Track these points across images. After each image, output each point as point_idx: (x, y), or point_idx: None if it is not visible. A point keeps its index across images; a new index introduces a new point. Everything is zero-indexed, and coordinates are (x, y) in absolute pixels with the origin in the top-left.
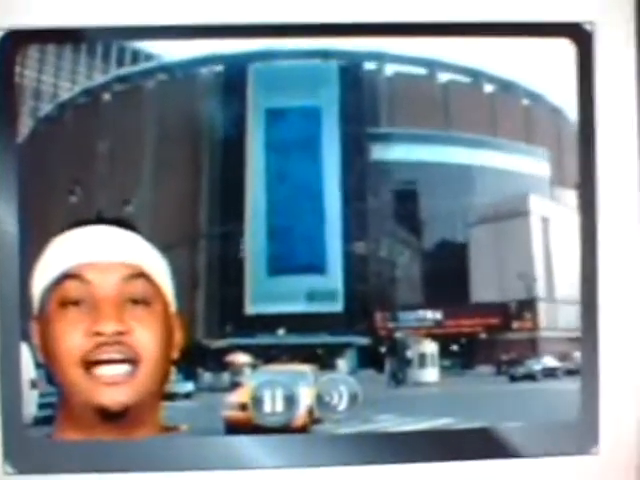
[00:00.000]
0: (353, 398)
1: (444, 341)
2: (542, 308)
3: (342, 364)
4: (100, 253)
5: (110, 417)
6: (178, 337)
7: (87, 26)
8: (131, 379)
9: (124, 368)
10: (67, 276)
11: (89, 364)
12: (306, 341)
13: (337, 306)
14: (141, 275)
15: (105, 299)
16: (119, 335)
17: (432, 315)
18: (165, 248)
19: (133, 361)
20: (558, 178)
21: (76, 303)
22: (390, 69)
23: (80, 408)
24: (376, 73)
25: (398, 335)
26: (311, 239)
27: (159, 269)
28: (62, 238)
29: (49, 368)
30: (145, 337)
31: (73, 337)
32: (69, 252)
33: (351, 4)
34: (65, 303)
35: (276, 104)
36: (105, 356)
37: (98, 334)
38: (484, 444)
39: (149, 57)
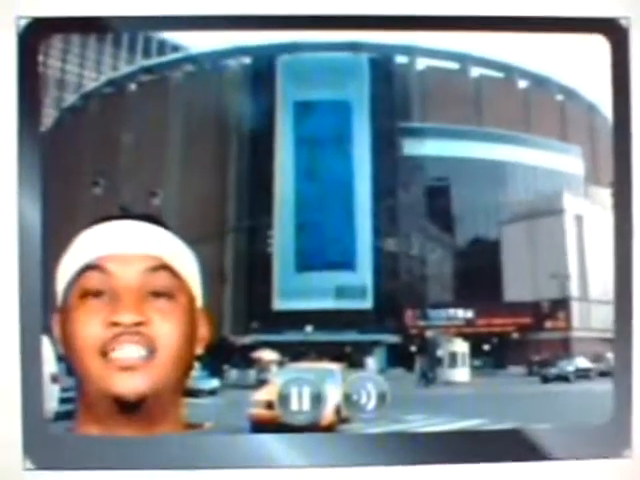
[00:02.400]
0: (382, 397)
1: (475, 340)
2: (575, 308)
3: (371, 362)
4: (122, 245)
5: (128, 409)
6: (203, 332)
7: (113, 16)
8: (147, 366)
9: (140, 352)
10: (88, 267)
11: (106, 353)
12: (334, 338)
13: (366, 303)
14: (164, 267)
15: (125, 290)
16: (137, 326)
17: (463, 314)
18: (192, 242)
19: (150, 350)
20: (592, 176)
21: (97, 294)
22: (422, 63)
23: (98, 399)
24: (407, 67)
25: (428, 333)
26: (340, 235)
27: (185, 262)
28: (86, 233)
29: (68, 359)
30: (165, 329)
31: (92, 327)
32: (92, 245)
33: None
34: (86, 294)
35: (305, 97)
36: (122, 345)
37: (116, 324)
38: (515, 446)
39: (176, 48)
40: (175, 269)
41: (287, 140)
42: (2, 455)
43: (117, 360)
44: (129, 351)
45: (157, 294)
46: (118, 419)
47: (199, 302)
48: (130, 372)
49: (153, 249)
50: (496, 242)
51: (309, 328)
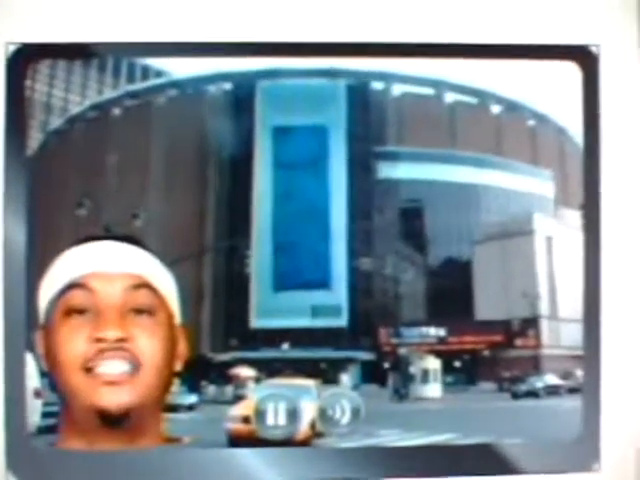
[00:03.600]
0: (356, 412)
1: (447, 357)
2: (545, 326)
3: (345, 379)
4: (105, 264)
5: (111, 423)
6: (182, 348)
7: (98, 42)
8: (131, 380)
9: (124, 367)
10: (72, 285)
11: (90, 368)
12: (310, 355)
13: (341, 321)
14: (145, 285)
15: (108, 307)
16: (121, 342)
17: (435, 332)
18: (172, 262)
19: (134, 366)
20: (562, 198)
21: (80, 312)
22: (397, 89)
23: (81, 413)
24: (383, 93)
25: (401, 351)
26: (316, 255)
27: (164, 281)
28: (69, 252)
29: (52, 375)
30: (147, 345)
31: (76, 344)
32: (75, 264)
33: (359, 24)
34: (70, 312)
35: (283, 122)
36: (106, 361)
37: (100, 340)
38: (486, 460)
39: (159, 73)
40: (155, 287)
41: (266, 163)
42: None
43: (101, 375)
44: (113, 366)
45: (139, 311)
46: (101, 433)
47: (178, 319)
48: (114, 387)
49: (134, 268)
50: (468, 262)
51: (285, 345)
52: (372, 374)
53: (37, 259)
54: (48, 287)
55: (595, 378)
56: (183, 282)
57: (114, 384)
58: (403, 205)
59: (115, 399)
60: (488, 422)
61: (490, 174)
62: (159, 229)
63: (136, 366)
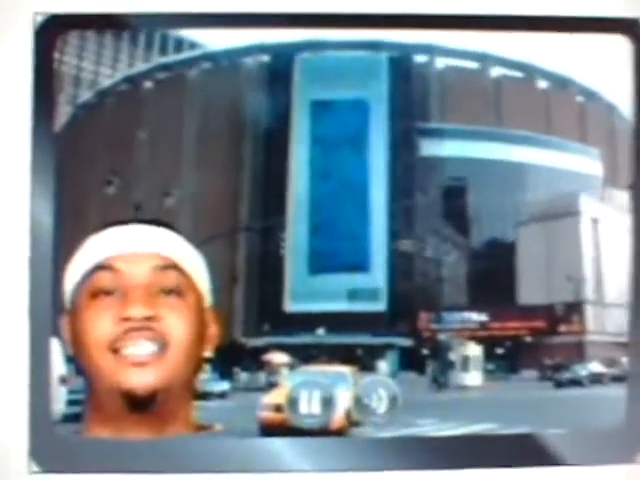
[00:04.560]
0: (393, 401)
1: (489, 344)
2: (590, 311)
3: (382, 366)
4: (131, 245)
5: (138, 406)
6: (213, 331)
7: (129, 13)
8: (158, 361)
9: (152, 348)
10: (98, 267)
11: (118, 349)
12: (346, 341)
13: (380, 305)
14: (173, 266)
15: (135, 286)
16: (148, 320)
17: (477, 317)
18: (204, 242)
19: (161, 345)
20: (611, 178)
21: (107, 292)
22: (441, 62)
23: (108, 397)
24: (427, 66)
25: (441, 337)
26: (355, 236)
27: (192, 262)
28: (96, 236)
29: (78, 359)
30: (175, 324)
31: (103, 324)
32: (101, 247)
33: None
34: (96, 293)
35: (323, 96)
36: (134, 341)
37: (127, 319)
38: (528, 451)
39: (193, 45)
40: (183, 269)
41: (303, 139)
42: (8, 458)
43: (129, 356)
44: (140, 346)
45: (167, 291)
46: (128, 419)
47: (207, 302)
48: (141, 367)
49: (161, 249)
50: (512, 244)
51: (321, 331)
52: (410, 361)
53: (64, 241)
54: (74, 271)
55: None
56: (215, 263)
57: (141, 365)
58: (446, 184)
59: (142, 380)
60: (529, 411)
61: (537, 152)
62: (192, 208)
63: (164, 346)
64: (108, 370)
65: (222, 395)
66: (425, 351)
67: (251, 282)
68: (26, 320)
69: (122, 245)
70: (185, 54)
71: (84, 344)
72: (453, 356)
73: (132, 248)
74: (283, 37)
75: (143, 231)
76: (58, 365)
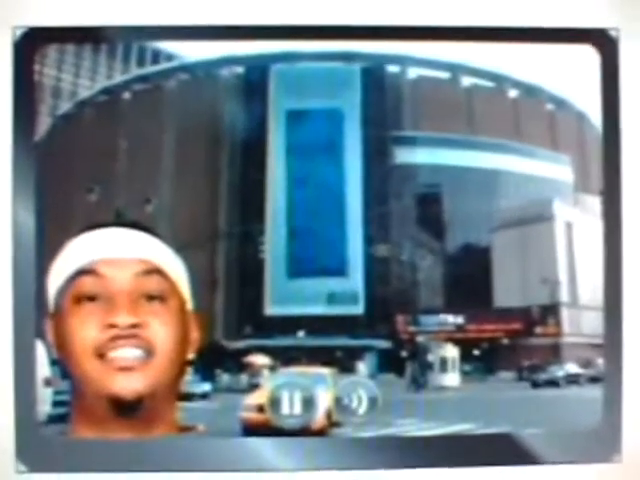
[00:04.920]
0: (373, 402)
1: (466, 346)
2: (565, 314)
3: (362, 367)
4: (114, 250)
5: (124, 410)
6: (195, 335)
7: (107, 26)
8: (144, 366)
9: (138, 353)
10: (82, 272)
11: (103, 355)
12: (326, 343)
13: (358, 309)
14: (156, 271)
15: (120, 293)
16: (133, 328)
17: (454, 319)
18: (184, 247)
19: (147, 352)
20: (582, 184)
21: (91, 298)
22: (413, 72)
23: (94, 401)
24: (399, 76)
25: (419, 339)
26: (332, 241)
27: (174, 267)
28: (78, 239)
29: (64, 363)
30: (160, 331)
31: (88, 331)
32: (84, 250)
33: (374, 7)
34: (80, 298)
35: (297, 106)
36: (119, 348)
37: (112, 326)
38: (505, 450)
39: (170, 57)
40: (166, 273)
41: (279, 148)
42: None
43: (115, 361)
44: (127, 352)
45: (150, 297)
46: (114, 421)
47: (189, 306)
48: (128, 372)
49: (144, 254)
50: (486, 249)
51: (301, 333)
52: (389, 363)
53: (47, 246)
54: (57, 274)
55: (616, 367)
56: (196, 268)
57: (127, 370)
58: (420, 191)
59: (129, 385)
60: (507, 412)
61: (508, 159)
62: (171, 215)
63: (149, 352)
64: (94, 376)
65: (204, 396)
66: (403, 353)
67: (231, 286)
68: (10, 323)
69: (105, 249)
70: (162, 66)
71: (69, 349)
72: (431, 358)
73: (115, 252)
74: (258, 49)
75: (125, 235)
76: (43, 367)
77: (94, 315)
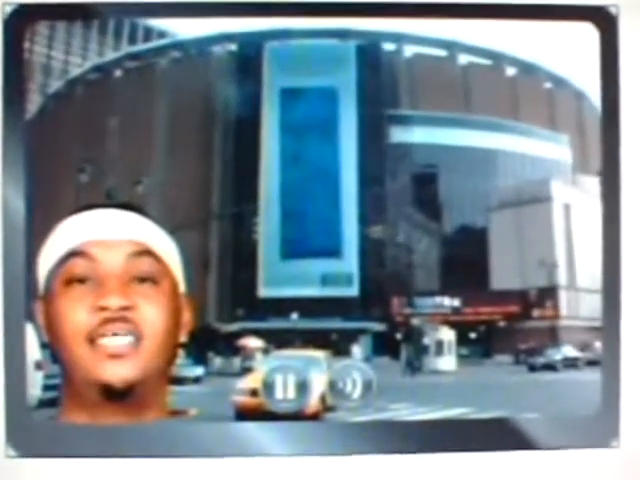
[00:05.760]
0: (367, 386)
1: (462, 329)
2: (563, 296)
3: (356, 350)
4: (105, 231)
5: (115, 396)
6: (187, 318)
7: (98, 2)
8: (135, 352)
9: (128, 339)
10: (72, 254)
11: (94, 339)
12: (320, 326)
13: (352, 291)
14: (147, 253)
15: (110, 275)
16: (124, 310)
17: (450, 302)
18: (176, 229)
19: (137, 336)
20: (581, 164)
21: (81, 280)
22: (409, 50)
23: (84, 386)
24: (395, 54)
25: (415, 322)
26: (326, 222)
27: (166, 248)
28: (68, 221)
29: (53, 347)
30: (151, 314)
31: (78, 313)
32: (75, 232)
33: None
34: (70, 281)
35: (292, 84)
36: (109, 332)
37: (103, 309)
38: (501, 435)
39: (162, 34)
40: (158, 254)
41: (273, 127)
42: None
43: (105, 347)
44: (117, 338)
45: (142, 279)
46: (104, 406)
47: (182, 288)
48: (118, 360)
49: (136, 235)
50: (483, 230)
51: (294, 315)
52: (384, 346)
53: (37, 227)
54: (47, 256)
55: (615, 350)
56: (188, 250)
57: (118, 357)
58: (416, 170)
59: (119, 373)
60: (504, 396)
61: (506, 139)
62: (163, 195)
63: (140, 337)
64: (84, 361)
65: (196, 380)
66: (399, 336)
67: (224, 268)
68: (0, 306)
69: (96, 230)
70: (154, 43)
71: (59, 333)
72: (427, 340)
73: (106, 234)
74: (251, 26)
75: (116, 216)
76: (33, 350)
77: (84, 298)
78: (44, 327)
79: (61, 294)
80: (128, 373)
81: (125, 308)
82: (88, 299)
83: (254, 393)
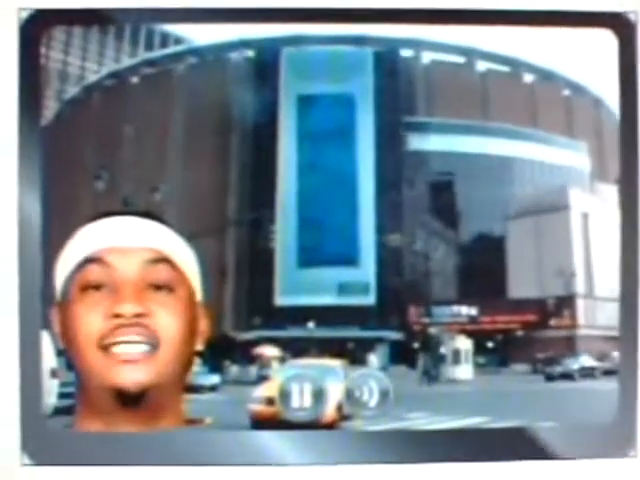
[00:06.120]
0: (384, 394)
1: (479, 338)
2: (581, 305)
3: (373, 359)
4: (122, 239)
5: (129, 402)
6: (203, 326)
7: (115, 8)
8: (149, 359)
9: (142, 347)
10: (88, 260)
11: (108, 346)
12: (337, 335)
13: (369, 299)
14: (164, 260)
15: (126, 282)
16: (139, 317)
17: (467, 311)
18: (193, 236)
19: (152, 343)
20: (599, 172)
21: (97, 287)
22: (427, 57)
23: (98, 393)
24: (412, 61)
25: (432, 330)
26: (343, 230)
27: (184, 256)
28: (86, 228)
29: (68, 353)
30: (166, 321)
31: (93, 320)
32: (92, 239)
33: None
34: (86, 287)
35: (308, 90)
36: (124, 338)
37: (117, 316)
38: (518, 444)
39: (179, 40)
40: (175, 262)
41: (290, 133)
42: (0, 451)
43: (119, 354)
44: (131, 344)
45: (157, 287)
46: (119, 414)
47: (199, 296)
48: (132, 364)
49: (153, 242)
50: (501, 238)
51: (311, 324)
52: (401, 354)
53: (53, 234)
54: (64, 263)
55: (632, 360)
56: (204, 258)
57: (132, 362)
58: (433, 178)
59: (133, 378)
60: (521, 405)
61: (523, 146)
62: (180, 202)
63: (155, 343)
64: (98, 367)
65: (213, 388)
66: (416, 345)
67: (241, 276)
68: (16, 313)
69: (113, 238)
70: (171, 49)
71: (74, 339)
72: (444, 350)
73: (123, 241)
74: (268, 32)
75: (134, 223)
76: (49, 358)
77: (99, 304)
78: (60, 334)
79: (77, 300)
80: (142, 377)
81: (140, 315)
82: (103, 305)
83: (270, 402)
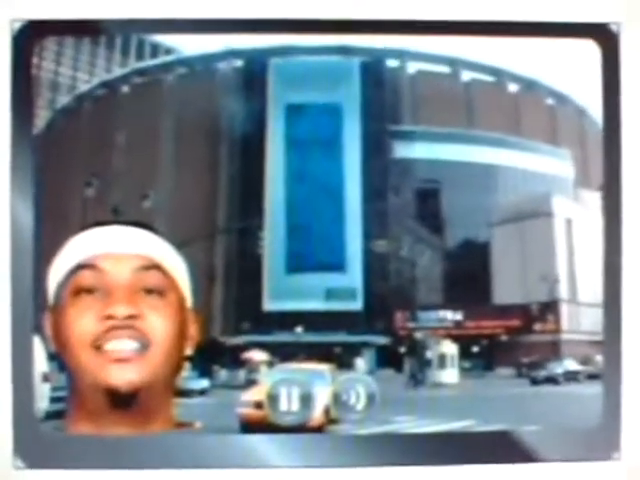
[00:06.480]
0: (371, 398)
1: (464, 342)
2: (564, 310)
3: (360, 363)
4: (115, 245)
5: (120, 403)
6: (193, 331)
7: (106, 18)
8: (140, 358)
9: (134, 345)
10: (81, 266)
11: (100, 346)
12: (324, 339)
13: (356, 305)
14: (155, 267)
15: (118, 285)
16: (131, 319)
17: (452, 316)
18: (183, 243)
19: (144, 343)
20: (582, 179)
21: (89, 291)
22: (413, 67)
23: (90, 393)
24: (398, 71)
25: (418, 335)
26: (330, 237)
27: (174, 263)
28: (78, 236)
29: (60, 356)
30: (157, 324)
31: (85, 322)
32: (84, 246)
33: (373, 1)
34: (79, 291)
35: (296, 100)
36: (115, 339)
37: (109, 317)
38: (504, 448)
39: (169, 51)
40: (165, 269)
41: (278, 142)
42: None
43: (110, 352)
44: (122, 343)
45: (149, 291)
46: (110, 416)
47: (189, 303)
48: (123, 364)
49: (144, 250)
50: (486, 244)
51: (299, 329)
52: (388, 359)
53: (45, 241)
54: (57, 270)
55: (616, 364)
56: (194, 264)
57: (123, 361)
58: (419, 186)
59: (124, 376)
60: (506, 409)
61: (508, 154)
62: (169, 210)
63: (145, 344)
64: (90, 367)
65: (202, 392)
66: (402, 349)
67: (229, 282)
68: (8, 318)
69: (105, 245)
70: (161, 59)
71: (66, 341)
72: (430, 354)
73: (115, 248)
74: (257, 42)
75: (125, 232)
76: (41, 362)
77: (91, 307)
78: (52, 337)
79: (69, 304)
80: (133, 377)
81: (131, 317)
82: (95, 308)
83: (259, 405)
